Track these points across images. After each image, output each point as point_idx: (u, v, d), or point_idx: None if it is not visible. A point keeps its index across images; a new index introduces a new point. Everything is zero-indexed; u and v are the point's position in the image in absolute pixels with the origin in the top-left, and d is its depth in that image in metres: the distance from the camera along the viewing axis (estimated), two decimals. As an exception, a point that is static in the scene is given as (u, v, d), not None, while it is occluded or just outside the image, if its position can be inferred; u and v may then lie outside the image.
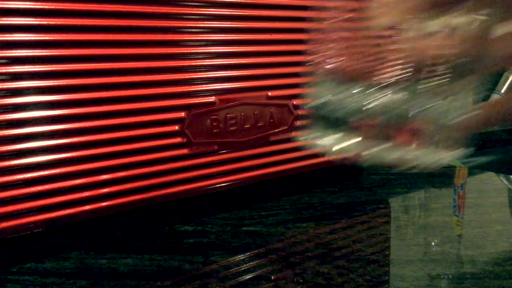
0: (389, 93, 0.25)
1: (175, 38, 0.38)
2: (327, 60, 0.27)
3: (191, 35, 0.39)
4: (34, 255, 0.36)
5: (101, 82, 0.36)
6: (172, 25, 0.38)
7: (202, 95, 0.40)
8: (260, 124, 0.44)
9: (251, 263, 0.34)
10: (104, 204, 0.37)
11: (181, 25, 0.38)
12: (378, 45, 0.25)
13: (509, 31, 0.23)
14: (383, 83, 0.25)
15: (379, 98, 0.25)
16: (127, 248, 0.37)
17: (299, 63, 0.45)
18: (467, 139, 0.26)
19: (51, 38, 0.33)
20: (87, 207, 0.36)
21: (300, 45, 0.46)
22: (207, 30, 0.40)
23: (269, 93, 0.44)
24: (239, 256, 0.35)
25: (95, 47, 0.35)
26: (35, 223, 0.34)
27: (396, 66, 0.25)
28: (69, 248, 0.37)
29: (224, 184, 0.43)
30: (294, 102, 0.46)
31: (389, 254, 0.36)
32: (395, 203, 0.49)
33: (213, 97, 0.41)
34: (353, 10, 0.27)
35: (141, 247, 0.38)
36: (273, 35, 0.44)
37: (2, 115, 0.32)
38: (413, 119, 0.25)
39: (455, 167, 0.65)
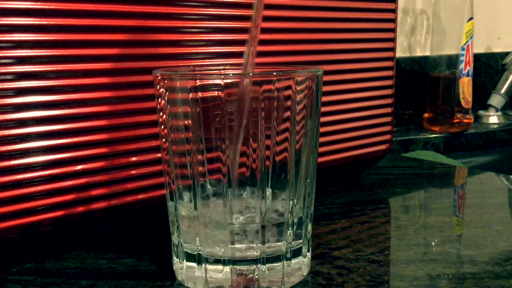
0: None
1: (176, 38, 0.38)
2: None
3: (191, 35, 0.39)
4: (34, 255, 0.36)
5: (101, 82, 0.36)
6: (172, 25, 0.38)
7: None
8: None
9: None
10: (106, 204, 0.37)
11: (181, 25, 0.38)
12: None
13: None
14: None
15: None
16: (127, 248, 0.37)
17: (299, 63, 0.46)
18: None
19: (51, 38, 0.33)
20: (88, 207, 0.36)
21: (301, 45, 0.46)
22: (207, 30, 0.40)
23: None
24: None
25: (95, 47, 0.35)
26: (36, 223, 0.34)
27: None
28: (69, 248, 0.37)
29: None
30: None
31: (389, 254, 0.36)
32: (395, 203, 0.49)
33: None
34: None
35: (141, 247, 0.38)
36: (273, 35, 0.44)
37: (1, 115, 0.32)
38: None
39: (455, 167, 0.65)
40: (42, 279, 0.33)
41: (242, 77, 0.29)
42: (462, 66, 0.86)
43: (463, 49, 0.86)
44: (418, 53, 0.95)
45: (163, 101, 0.30)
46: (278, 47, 0.44)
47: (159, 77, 0.30)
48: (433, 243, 0.38)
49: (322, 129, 0.48)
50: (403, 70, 0.90)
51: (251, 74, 0.31)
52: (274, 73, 0.30)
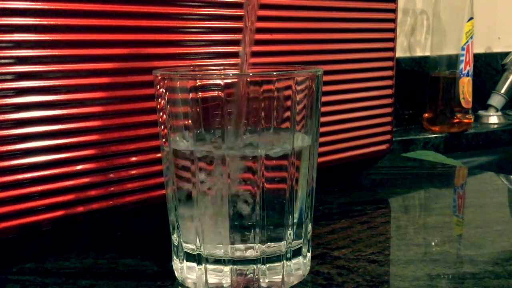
0: None
1: (176, 38, 0.38)
2: None
3: (191, 35, 0.39)
4: (34, 255, 0.36)
5: (101, 82, 0.36)
6: (172, 25, 0.38)
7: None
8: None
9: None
10: (106, 204, 0.37)
11: (181, 25, 0.38)
12: None
13: None
14: None
15: None
16: (127, 248, 0.37)
17: (299, 63, 0.45)
18: None
19: (51, 38, 0.33)
20: (88, 207, 0.36)
21: (301, 45, 0.46)
22: (207, 30, 0.40)
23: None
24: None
25: (95, 47, 0.35)
26: (36, 223, 0.34)
27: None
28: (69, 248, 0.37)
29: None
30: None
31: (389, 254, 0.36)
32: (395, 203, 0.49)
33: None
34: None
35: (141, 247, 0.38)
36: (273, 35, 0.44)
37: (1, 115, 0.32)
38: None
39: (455, 167, 0.65)
40: (42, 279, 0.33)
41: (240, 78, 0.29)
42: (462, 66, 0.86)
43: (463, 49, 0.86)
44: (418, 53, 0.95)
45: (163, 101, 0.30)
46: (278, 47, 0.44)
47: (159, 77, 0.30)
48: (433, 243, 0.38)
49: (322, 129, 0.48)
50: (403, 70, 0.90)
51: (251, 74, 0.31)
52: (274, 73, 0.30)
